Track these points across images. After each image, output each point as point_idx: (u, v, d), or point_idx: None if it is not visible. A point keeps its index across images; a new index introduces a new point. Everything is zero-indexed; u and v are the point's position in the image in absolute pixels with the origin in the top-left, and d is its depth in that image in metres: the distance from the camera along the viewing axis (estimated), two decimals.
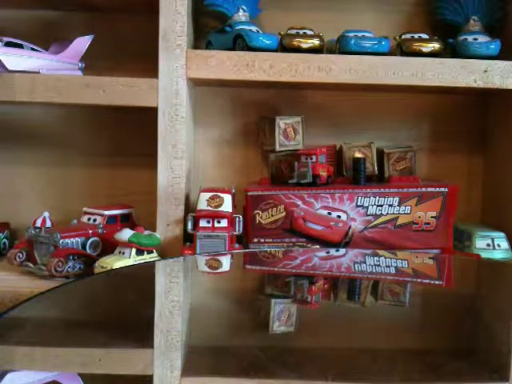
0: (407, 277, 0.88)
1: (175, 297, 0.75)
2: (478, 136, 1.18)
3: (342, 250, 0.98)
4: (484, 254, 0.99)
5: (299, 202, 0.99)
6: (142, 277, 0.82)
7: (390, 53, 1.02)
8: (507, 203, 1.08)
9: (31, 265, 0.92)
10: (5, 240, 1.07)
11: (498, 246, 1.00)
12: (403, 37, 1.04)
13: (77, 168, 1.17)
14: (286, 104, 1.15)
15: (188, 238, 0.98)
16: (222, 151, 1.17)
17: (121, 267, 0.86)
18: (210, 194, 0.97)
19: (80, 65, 1.05)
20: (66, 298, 0.70)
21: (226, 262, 0.93)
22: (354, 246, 0.99)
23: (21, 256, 0.94)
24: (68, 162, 1.17)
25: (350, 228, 0.99)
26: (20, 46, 0.97)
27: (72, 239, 0.93)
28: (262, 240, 0.99)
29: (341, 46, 1.01)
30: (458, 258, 0.99)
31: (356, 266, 0.92)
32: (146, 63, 0.99)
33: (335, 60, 0.98)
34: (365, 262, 0.93)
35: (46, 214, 0.96)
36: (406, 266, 0.94)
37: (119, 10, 1.11)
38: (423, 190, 0.99)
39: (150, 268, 0.86)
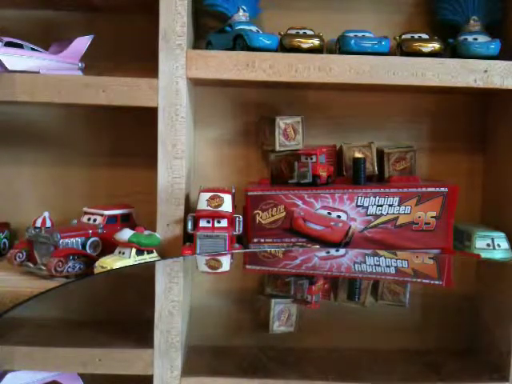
0: (407, 277, 0.88)
1: (175, 297, 0.75)
2: (478, 136, 1.18)
3: (342, 250, 0.98)
4: (484, 254, 0.98)
5: (299, 202, 0.99)
6: (142, 277, 0.82)
7: (390, 53, 1.02)
8: (507, 203, 1.08)
9: (31, 265, 0.92)
10: (5, 240, 1.07)
11: (498, 245, 1.00)
12: (403, 37, 1.04)
13: (77, 168, 1.17)
14: (286, 104, 1.15)
15: (188, 238, 0.98)
16: (222, 151, 1.16)
17: (121, 267, 0.86)
18: (209, 194, 0.97)
19: (80, 65, 1.05)
20: (66, 298, 0.70)
21: (225, 262, 0.93)
22: (354, 246, 0.99)
23: (21, 256, 0.94)
24: (68, 162, 1.17)
25: (350, 228, 0.99)
26: (20, 46, 0.97)
27: (72, 239, 0.93)
28: (262, 240, 0.99)
29: (341, 46, 1.01)
30: (458, 257, 0.99)
31: (356, 265, 0.92)
32: (146, 63, 0.99)
33: (335, 60, 0.98)
34: (365, 262, 0.93)
35: (46, 213, 0.96)
36: (406, 266, 0.94)
37: (119, 9, 1.11)
38: (423, 189, 0.99)
39: (150, 268, 0.86)
